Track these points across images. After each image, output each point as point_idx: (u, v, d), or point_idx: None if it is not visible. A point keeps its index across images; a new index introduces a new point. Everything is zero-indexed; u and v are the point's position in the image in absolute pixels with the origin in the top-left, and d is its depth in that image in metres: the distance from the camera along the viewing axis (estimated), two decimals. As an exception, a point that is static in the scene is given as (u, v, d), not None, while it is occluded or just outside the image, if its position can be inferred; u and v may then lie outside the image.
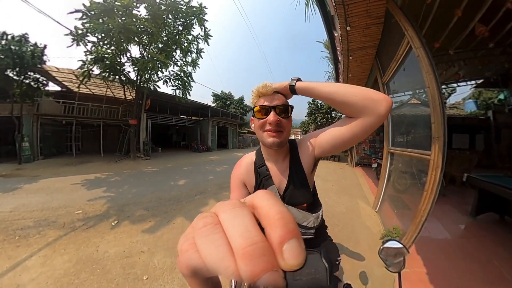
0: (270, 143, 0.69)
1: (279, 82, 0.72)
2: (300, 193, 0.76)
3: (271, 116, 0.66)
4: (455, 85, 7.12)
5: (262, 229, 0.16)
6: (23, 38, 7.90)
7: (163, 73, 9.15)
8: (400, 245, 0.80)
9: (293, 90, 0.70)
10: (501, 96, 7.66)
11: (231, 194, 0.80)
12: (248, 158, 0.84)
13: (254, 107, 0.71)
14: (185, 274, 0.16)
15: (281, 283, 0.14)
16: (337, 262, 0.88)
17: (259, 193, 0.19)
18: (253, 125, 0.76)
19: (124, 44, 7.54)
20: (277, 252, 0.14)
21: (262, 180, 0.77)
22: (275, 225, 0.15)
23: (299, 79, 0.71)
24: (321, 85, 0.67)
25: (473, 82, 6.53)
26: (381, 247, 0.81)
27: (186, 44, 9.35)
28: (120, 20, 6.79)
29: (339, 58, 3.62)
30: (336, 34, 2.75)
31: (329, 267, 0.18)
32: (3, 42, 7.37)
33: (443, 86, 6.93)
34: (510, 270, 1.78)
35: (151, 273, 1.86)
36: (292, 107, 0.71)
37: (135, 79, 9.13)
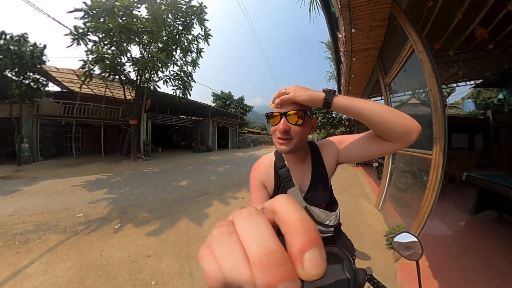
0: (279, 150, 0.69)
1: (307, 90, 0.63)
2: (322, 194, 0.77)
3: (280, 124, 0.65)
4: (454, 85, 7.16)
5: (282, 235, 0.16)
6: (22, 38, 7.82)
7: (163, 73, 9.14)
8: (414, 238, 0.83)
9: (327, 106, 0.62)
10: (501, 96, 7.72)
11: (251, 195, 0.80)
12: (267, 159, 0.83)
13: (267, 113, 0.69)
14: (208, 281, 0.16)
15: None
16: (354, 257, 0.91)
17: (280, 197, 0.18)
18: None
19: (125, 44, 7.50)
20: (297, 261, 0.14)
21: (282, 181, 0.76)
22: (296, 232, 0.15)
23: (335, 92, 0.62)
24: (363, 106, 0.59)
25: (472, 82, 6.58)
26: (394, 240, 0.84)
27: (186, 43, 9.34)
28: (120, 20, 6.76)
29: (342, 59, 3.63)
30: (339, 36, 2.76)
31: (351, 278, 0.17)
32: (2, 42, 7.28)
33: (443, 86, 6.95)
34: (508, 265, 1.85)
35: (159, 278, 1.83)
36: (305, 112, 0.65)
37: (135, 79, 9.09)
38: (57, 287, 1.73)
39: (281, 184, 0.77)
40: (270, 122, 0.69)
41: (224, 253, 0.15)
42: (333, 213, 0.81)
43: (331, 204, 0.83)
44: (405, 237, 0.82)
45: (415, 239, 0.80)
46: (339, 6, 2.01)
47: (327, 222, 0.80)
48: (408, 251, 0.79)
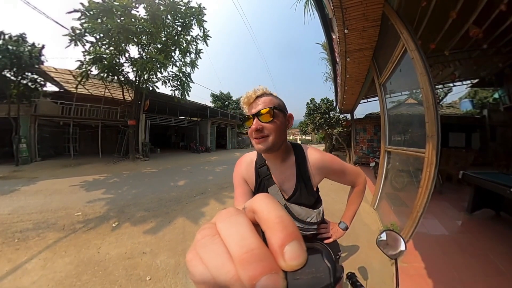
0: (257, 149, 0.72)
1: (338, 232, 0.91)
2: (306, 198, 0.79)
3: (252, 125, 0.68)
4: (451, 85, 7.21)
5: (263, 233, 0.17)
6: (21, 38, 7.82)
7: (162, 73, 9.14)
8: (396, 234, 0.83)
9: (347, 228, 0.93)
10: (496, 95, 7.78)
11: (235, 191, 0.83)
12: (249, 157, 0.86)
13: (243, 117, 0.74)
14: (196, 282, 0.16)
15: (280, 284, 0.14)
16: (338, 257, 0.93)
17: (258, 197, 0.19)
18: None
19: (123, 45, 7.51)
20: (278, 255, 0.15)
21: (262, 179, 0.79)
22: (274, 229, 0.16)
23: (343, 223, 0.93)
24: (357, 206, 0.94)
25: (468, 82, 6.64)
26: (379, 237, 0.85)
27: (185, 44, 9.34)
28: (119, 20, 6.77)
29: (337, 60, 3.66)
30: (334, 36, 2.79)
31: (332, 267, 0.18)
32: (1, 42, 7.29)
33: (440, 86, 7.01)
34: (506, 264, 1.82)
35: (154, 274, 1.86)
36: (275, 108, 0.68)
37: (134, 79, 9.10)
38: (55, 281, 1.76)
39: (262, 182, 0.79)
40: (246, 125, 0.72)
41: (209, 254, 0.15)
42: (314, 210, 0.82)
43: (315, 202, 0.85)
44: (389, 235, 0.83)
45: (399, 238, 0.80)
46: (332, 7, 2.04)
47: (308, 220, 0.81)
48: (391, 250, 0.80)
